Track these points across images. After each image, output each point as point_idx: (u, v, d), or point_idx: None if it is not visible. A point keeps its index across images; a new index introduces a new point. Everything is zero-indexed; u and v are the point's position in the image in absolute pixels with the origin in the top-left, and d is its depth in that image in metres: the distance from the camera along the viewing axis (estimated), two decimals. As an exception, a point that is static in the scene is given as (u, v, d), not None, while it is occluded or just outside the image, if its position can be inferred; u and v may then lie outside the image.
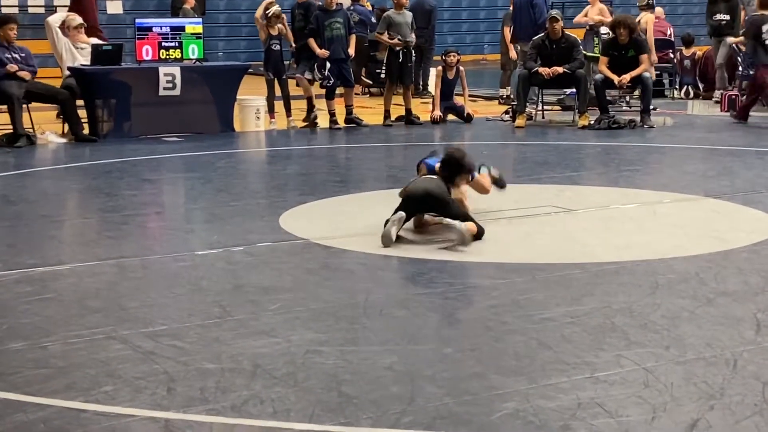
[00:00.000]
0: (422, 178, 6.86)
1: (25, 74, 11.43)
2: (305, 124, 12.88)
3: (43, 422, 3.77)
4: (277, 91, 12.83)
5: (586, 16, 15.30)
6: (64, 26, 12.23)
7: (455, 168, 6.82)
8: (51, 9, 19.36)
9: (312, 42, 12.63)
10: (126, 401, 3.96)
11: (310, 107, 12.93)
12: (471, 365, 4.34)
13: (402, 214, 6.51)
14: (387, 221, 6.52)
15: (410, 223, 6.79)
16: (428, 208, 6.75)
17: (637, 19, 14.48)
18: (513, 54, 14.86)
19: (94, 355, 4.46)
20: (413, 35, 13.50)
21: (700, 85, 16.17)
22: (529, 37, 14.04)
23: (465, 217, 6.63)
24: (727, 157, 10.38)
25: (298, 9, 13.14)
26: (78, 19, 12.27)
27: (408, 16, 13.44)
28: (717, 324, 4.87)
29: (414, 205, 6.66)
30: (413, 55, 13.53)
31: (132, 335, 4.72)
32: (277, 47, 12.88)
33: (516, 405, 3.88)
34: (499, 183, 7.61)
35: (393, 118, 13.26)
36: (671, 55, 16.01)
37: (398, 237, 6.53)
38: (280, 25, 12.86)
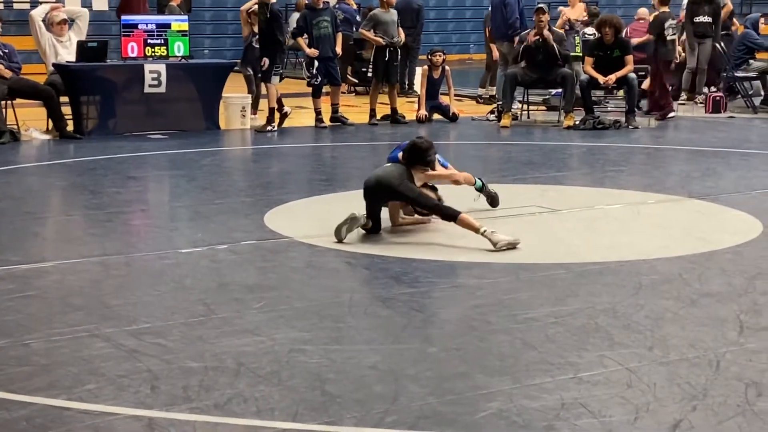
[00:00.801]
0: (378, 168, 6.96)
1: (7, 73, 11.38)
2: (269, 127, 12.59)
3: (25, 420, 3.75)
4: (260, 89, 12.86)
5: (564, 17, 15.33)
6: (47, 21, 12.17)
7: (415, 155, 6.91)
8: (36, 4, 19.31)
9: (300, 41, 12.62)
10: (109, 399, 3.94)
11: (280, 111, 12.76)
12: (455, 365, 4.34)
13: (354, 213, 6.55)
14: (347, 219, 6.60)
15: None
16: (384, 195, 6.80)
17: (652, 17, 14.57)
18: (495, 54, 14.87)
19: (77, 353, 4.45)
20: (401, 34, 13.49)
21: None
22: (504, 36, 14.13)
23: (427, 201, 6.72)
24: (712, 159, 10.42)
25: (260, 9, 12.91)
26: (61, 15, 12.21)
27: (394, 14, 13.44)
28: (700, 325, 4.89)
29: (370, 194, 6.76)
30: (399, 54, 13.52)
31: (115, 333, 4.71)
32: (257, 45, 12.89)
33: (500, 405, 3.88)
34: (493, 202, 7.58)
35: (378, 117, 13.26)
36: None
37: (391, 234, 6.56)
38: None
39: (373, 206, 6.77)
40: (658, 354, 4.48)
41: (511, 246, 6.37)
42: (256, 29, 12.76)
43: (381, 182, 6.74)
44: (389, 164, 6.99)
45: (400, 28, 13.57)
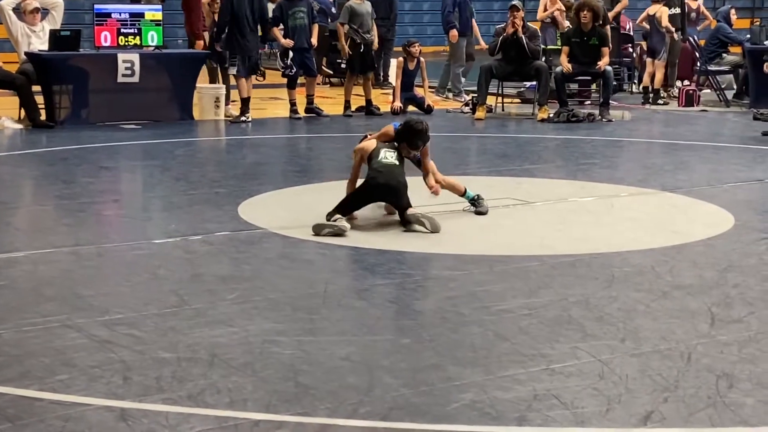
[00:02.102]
0: (387, 170, 6.85)
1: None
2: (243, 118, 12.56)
3: (-4, 411, 3.73)
4: (220, 80, 12.85)
5: (545, 10, 15.35)
6: (20, 10, 12.07)
7: (405, 133, 7.02)
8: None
9: (276, 31, 12.58)
10: (81, 390, 3.93)
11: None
12: (428, 356, 4.35)
13: (343, 229, 6.50)
14: (331, 217, 6.60)
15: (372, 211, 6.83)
16: (390, 199, 6.90)
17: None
18: (483, 45, 14.95)
19: (49, 344, 4.43)
20: (374, 29, 13.47)
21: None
22: (445, 31, 14.25)
23: (408, 205, 6.80)
24: (684, 152, 10.48)
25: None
26: (34, 4, 12.12)
27: (369, 6, 13.41)
28: (672, 317, 4.92)
29: (380, 195, 6.85)
30: (373, 46, 13.49)
31: (88, 324, 4.69)
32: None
33: (473, 396, 3.90)
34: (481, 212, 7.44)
35: (353, 108, 13.24)
36: (630, 50, 16.10)
37: (356, 225, 6.56)
38: None
39: (371, 201, 6.88)
40: (630, 346, 4.50)
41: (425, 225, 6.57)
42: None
43: (395, 189, 6.80)
44: (393, 165, 6.91)
45: (374, 22, 13.54)
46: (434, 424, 3.68)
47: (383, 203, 7.05)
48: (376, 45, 13.51)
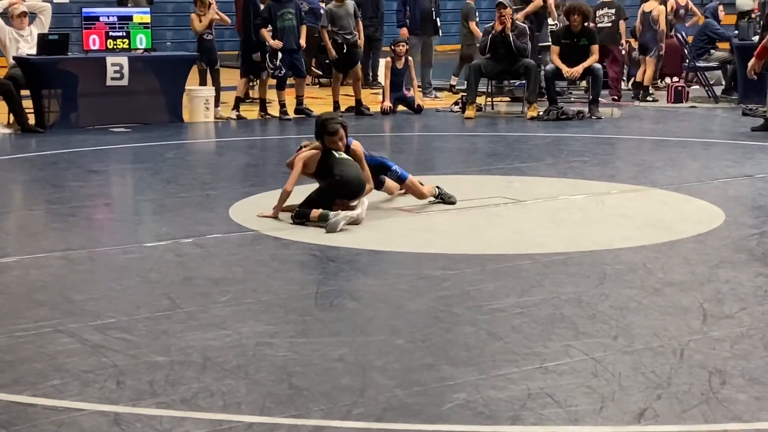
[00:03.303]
0: (352, 164, 7.05)
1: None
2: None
3: (-11, 417, 3.72)
4: (209, 82, 12.88)
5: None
6: (7, 15, 12.04)
7: (320, 127, 7.14)
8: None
9: (264, 32, 12.58)
10: (74, 395, 3.92)
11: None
12: (421, 356, 4.35)
13: (361, 215, 6.70)
14: (302, 219, 6.75)
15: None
16: (357, 193, 6.99)
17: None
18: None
19: (42, 349, 4.41)
20: (360, 28, 13.46)
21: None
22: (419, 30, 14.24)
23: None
24: (674, 148, 10.50)
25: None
26: (21, 8, 12.09)
27: (350, 6, 13.38)
28: (664, 314, 4.93)
29: (349, 189, 6.93)
30: (356, 47, 13.48)
31: (80, 328, 4.67)
32: (210, 37, 12.91)
33: (466, 395, 3.90)
34: (448, 200, 7.55)
35: (343, 108, 13.24)
36: (620, 48, 16.12)
37: (356, 226, 6.61)
38: (214, 13, 12.87)
39: (344, 198, 6.94)
40: (623, 343, 4.51)
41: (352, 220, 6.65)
42: (206, 21, 12.82)
43: (364, 185, 7.01)
44: (352, 161, 7.09)
45: (359, 20, 13.53)
46: (428, 424, 3.68)
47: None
48: (361, 43, 13.50)
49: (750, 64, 7.49)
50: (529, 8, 13.99)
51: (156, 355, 4.34)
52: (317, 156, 7.08)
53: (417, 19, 14.65)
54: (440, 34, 15.24)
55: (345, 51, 13.20)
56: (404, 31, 14.50)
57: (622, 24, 14.38)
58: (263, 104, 13.00)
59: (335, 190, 6.94)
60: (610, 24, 14.39)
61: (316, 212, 6.75)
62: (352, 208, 6.85)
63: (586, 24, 13.02)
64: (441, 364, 4.23)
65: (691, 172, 8.96)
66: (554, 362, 4.25)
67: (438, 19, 14.91)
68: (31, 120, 11.70)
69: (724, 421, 3.69)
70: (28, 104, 11.77)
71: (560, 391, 3.94)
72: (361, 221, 6.77)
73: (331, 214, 6.67)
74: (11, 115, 11.70)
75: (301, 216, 6.78)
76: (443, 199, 7.51)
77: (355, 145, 7.29)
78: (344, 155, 7.10)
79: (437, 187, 7.58)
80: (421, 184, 7.54)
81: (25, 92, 11.76)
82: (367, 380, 4.06)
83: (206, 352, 4.37)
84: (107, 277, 5.73)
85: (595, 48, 12.92)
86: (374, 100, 14.15)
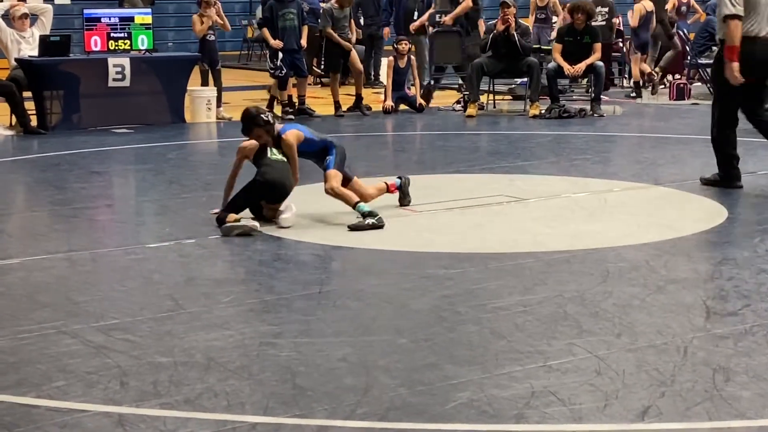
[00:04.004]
0: (278, 166, 6.93)
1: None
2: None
3: (-7, 419, 3.73)
4: (211, 83, 12.90)
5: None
6: (9, 16, 12.05)
7: (246, 120, 6.98)
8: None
9: (266, 32, 12.58)
10: (78, 396, 3.92)
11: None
12: (425, 355, 4.35)
13: (253, 228, 6.55)
14: (223, 220, 6.65)
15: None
16: (279, 195, 6.87)
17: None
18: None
19: (45, 350, 4.42)
20: (353, 30, 13.48)
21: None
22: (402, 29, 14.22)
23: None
24: (676, 146, 10.50)
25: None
26: (22, 9, 12.10)
27: (347, 9, 13.41)
28: (667, 311, 4.93)
29: (270, 190, 6.83)
30: (353, 43, 13.48)
31: (83, 329, 4.68)
32: (212, 37, 12.92)
33: (470, 394, 3.90)
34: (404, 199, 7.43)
35: (344, 108, 13.24)
36: (620, 45, 16.14)
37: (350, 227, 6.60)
38: (215, 16, 12.88)
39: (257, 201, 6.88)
40: (626, 341, 4.51)
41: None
42: (208, 22, 12.84)
43: (286, 187, 6.88)
44: (282, 161, 6.99)
45: (352, 20, 13.54)
46: (432, 423, 3.68)
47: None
48: (353, 41, 13.50)
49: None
50: (458, 10, 13.97)
51: (159, 356, 4.34)
52: (255, 149, 7.00)
53: (400, 20, 14.64)
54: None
55: (340, 51, 13.23)
56: (386, 30, 14.49)
57: (615, 21, 14.44)
58: (271, 102, 13.01)
59: (256, 192, 6.84)
60: (603, 22, 14.41)
61: (231, 217, 6.65)
62: (278, 212, 6.77)
63: (589, 22, 13.02)
64: (444, 364, 4.23)
65: (693, 170, 8.94)
66: (558, 360, 4.24)
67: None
68: (34, 121, 11.70)
69: (728, 418, 3.68)
70: (30, 106, 11.76)
71: (564, 389, 3.94)
72: (280, 227, 6.62)
73: (231, 218, 6.61)
74: (13, 116, 11.71)
75: (219, 221, 6.66)
76: (403, 195, 7.35)
77: (288, 135, 6.99)
78: (277, 155, 6.96)
79: (400, 183, 7.37)
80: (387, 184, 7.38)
81: (27, 94, 11.76)
82: (371, 380, 4.06)
83: (209, 352, 4.37)
84: (110, 278, 5.73)
85: (598, 46, 12.93)
86: (376, 99, 14.15)
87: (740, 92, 7.91)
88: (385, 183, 7.36)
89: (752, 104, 8.12)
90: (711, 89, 14.60)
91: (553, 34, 14.73)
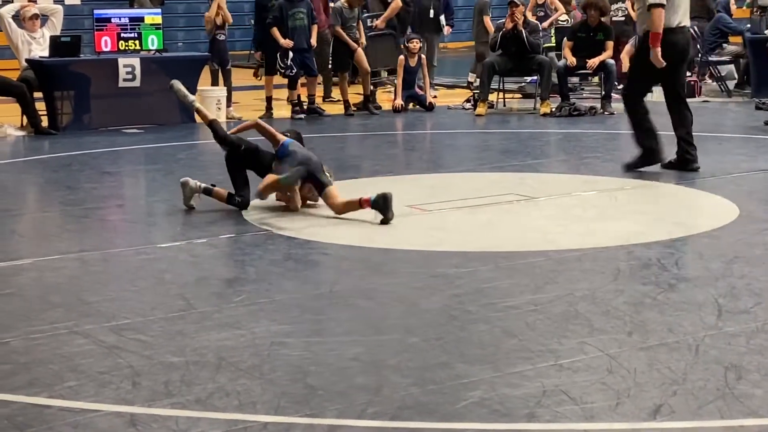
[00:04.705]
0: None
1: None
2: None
3: (6, 419, 3.73)
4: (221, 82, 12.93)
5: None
6: (19, 17, 12.08)
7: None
8: (7, 0, 19.14)
9: (275, 32, 12.59)
10: (90, 396, 3.93)
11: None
12: (436, 354, 4.35)
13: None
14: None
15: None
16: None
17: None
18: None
19: (57, 350, 4.43)
20: (361, 31, 13.48)
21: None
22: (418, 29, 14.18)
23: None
24: (687, 143, 10.45)
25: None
26: (33, 10, 12.13)
27: (356, 10, 13.41)
28: (679, 310, 4.92)
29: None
30: (360, 44, 13.47)
31: (95, 329, 4.69)
32: (222, 37, 12.94)
33: (481, 393, 3.89)
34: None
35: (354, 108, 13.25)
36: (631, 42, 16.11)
37: (368, 224, 6.60)
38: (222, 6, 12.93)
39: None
40: (638, 339, 4.50)
41: None
42: (218, 22, 12.86)
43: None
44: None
45: (361, 21, 13.54)
46: (444, 422, 3.68)
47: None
48: (363, 43, 13.49)
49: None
50: (388, 12, 14.00)
51: (171, 356, 4.35)
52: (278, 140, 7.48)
53: (415, 17, 14.61)
54: (445, 33, 15.15)
55: (347, 50, 13.24)
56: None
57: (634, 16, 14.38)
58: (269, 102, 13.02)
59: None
60: (623, 18, 14.39)
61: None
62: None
63: (603, 19, 13.00)
64: (456, 362, 4.23)
65: (704, 167, 8.91)
66: (569, 359, 4.24)
67: (441, 18, 14.81)
68: (45, 122, 11.73)
69: (740, 417, 3.68)
70: (41, 106, 11.80)
71: (575, 388, 3.94)
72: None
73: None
74: (24, 117, 11.74)
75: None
76: (381, 210, 6.81)
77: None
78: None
79: (374, 199, 6.84)
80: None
81: (37, 94, 11.79)
82: (382, 379, 4.06)
83: (221, 352, 4.38)
84: (122, 278, 5.74)
85: (610, 44, 12.91)
86: (386, 98, 14.14)
87: (655, 75, 8.57)
88: (360, 199, 6.90)
89: (643, 90, 8.82)
90: (722, 87, 14.61)
91: (551, 31, 14.71)
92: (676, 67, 8.58)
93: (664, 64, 8.32)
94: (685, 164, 8.62)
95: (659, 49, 8.25)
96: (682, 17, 8.51)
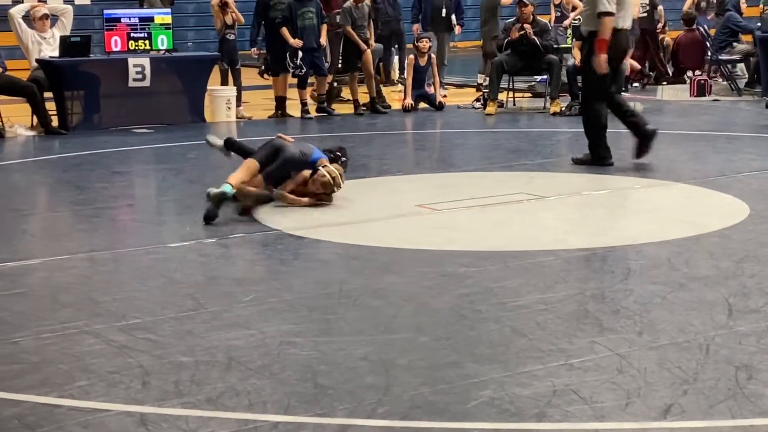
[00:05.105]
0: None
1: (-5, 70, 11.39)
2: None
3: (17, 418, 3.74)
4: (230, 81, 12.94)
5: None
6: (30, 17, 12.12)
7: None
8: (16, 2, 19.20)
9: (285, 31, 12.59)
10: (101, 396, 3.94)
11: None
12: (446, 354, 4.35)
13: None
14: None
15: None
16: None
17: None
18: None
19: (68, 350, 4.44)
20: (371, 30, 13.48)
21: (670, 70, 16.26)
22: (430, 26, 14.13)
23: None
24: (698, 142, 10.45)
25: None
26: (43, 10, 12.16)
27: (366, 7, 13.40)
28: (689, 309, 4.90)
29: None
30: (370, 45, 13.47)
31: (105, 329, 4.70)
32: (232, 36, 12.95)
33: (491, 393, 3.89)
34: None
35: (363, 106, 13.25)
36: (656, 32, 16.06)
37: (376, 224, 6.59)
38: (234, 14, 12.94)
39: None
40: (648, 339, 4.49)
41: None
42: (228, 21, 12.87)
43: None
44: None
45: (372, 21, 13.54)
46: (453, 422, 3.68)
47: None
48: (372, 44, 13.49)
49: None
50: None
51: (181, 356, 4.35)
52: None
53: (428, 16, 14.60)
54: (456, 32, 15.12)
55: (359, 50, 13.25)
56: (416, 27, 14.46)
57: (660, 10, 14.59)
58: (281, 103, 13.03)
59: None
60: (645, 14, 14.45)
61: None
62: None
63: None
64: (465, 362, 4.23)
65: (714, 166, 8.90)
66: (579, 359, 4.23)
67: (453, 17, 14.79)
68: (55, 122, 11.77)
69: (751, 416, 3.66)
70: (51, 106, 11.83)
71: (585, 387, 3.93)
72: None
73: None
74: (35, 117, 11.77)
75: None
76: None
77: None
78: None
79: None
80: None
81: (48, 94, 11.82)
82: (392, 378, 4.06)
83: (231, 351, 4.38)
84: (132, 277, 5.75)
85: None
86: (395, 97, 14.13)
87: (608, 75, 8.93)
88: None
89: (609, 84, 9.09)
90: (732, 85, 14.57)
91: (568, 31, 14.69)
92: (618, 66, 9.05)
93: (607, 70, 8.69)
94: (601, 159, 9.02)
95: (605, 55, 8.64)
96: (626, 20, 8.86)
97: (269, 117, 12.88)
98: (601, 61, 8.62)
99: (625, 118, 9.14)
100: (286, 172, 7.43)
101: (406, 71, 13.91)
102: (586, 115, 9.18)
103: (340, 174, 7.30)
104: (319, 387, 3.98)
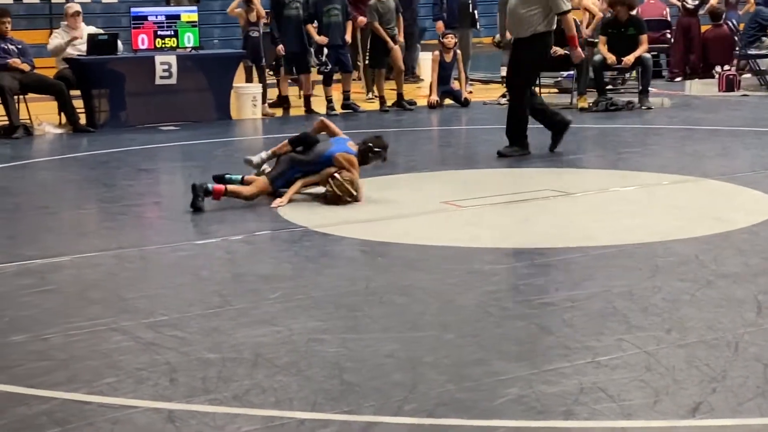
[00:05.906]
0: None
1: (25, 66, 11.44)
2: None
3: (46, 415, 3.77)
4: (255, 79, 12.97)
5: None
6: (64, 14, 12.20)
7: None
8: (46, 1, 19.33)
9: (310, 28, 12.61)
10: (129, 392, 3.96)
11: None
12: (472, 351, 4.34)
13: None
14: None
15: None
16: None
17: None
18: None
19: (96, 347, 4.46)
20: (400, 25, 13.47)
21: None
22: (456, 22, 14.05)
23: None
24: (726, 138, 10.37)
25: None
26: (75, 7, 12.23)
27: (392, 1, 13.40)
28: (718, 306, 4.87)
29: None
30: (397, 40, 13.46)
31: (133, 326, 4.72)
32: (255, 33, 12.98)
33: (518, 390, 3.88)
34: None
35: (389, 104, 13.24)
36: (668, 36, 15.98)
37: (402, 220, 6.58)
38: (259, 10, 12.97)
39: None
40: (676, 336, 4.46)
41: None
42: (251, 19, 12.90)
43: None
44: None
45: (400, 15, 13.53)
46: (480, 419, 3.67)
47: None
48: (400, 38, 13.48)
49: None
50: None
51: (208, 352, 4.37)
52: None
53: (454, 12, 14.50)
54: (478, 27, 15.05)
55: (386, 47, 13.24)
56: (440, 24, 14.31)
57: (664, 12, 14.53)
58: (287, 101, 13.06)
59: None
60: (693, 6, 14.51)
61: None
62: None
63: (632, 13, 12.90)
64: (492, 359, 4.22)
65: (743, 162, 8.84)
66: (607, 356, 4.21)
67: (476, 12, 14.72)
68: (82, 120, 11.83)
69: (780, 415, 3.64)
70: (78, 104, 11.90)
71: (613, 385, 3.91)
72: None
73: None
74: (62, 114, 11.85)
75: None
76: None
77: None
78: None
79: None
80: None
81: (75, 92, 11.89)
82: (418, 376, 4.05)
83: (257, 348, 4.39)
84: (159, 274, 5.77)
85: (644, 38, 12.79)
86: (418, 94, 14.11)
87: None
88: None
89: (530, 84, 9.97)
90: (761, 80, 14.46)
91: (586, 31, 14.61)
92: (541, 65, 9.94)
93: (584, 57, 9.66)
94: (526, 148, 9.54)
95: (579, 48, 9.73)
96: (551, 24, 9.36)
97: (275, 116, 12.88)
98: (578, 52, 9.72)
99: (542, 113, 9.83)
100: (296, 171, 7.44)
101: (423, 68, 13.88)
102: (518, 110, 9.69)
103: (351, 181, 7.27)
104: (346, 384, 3.99)
